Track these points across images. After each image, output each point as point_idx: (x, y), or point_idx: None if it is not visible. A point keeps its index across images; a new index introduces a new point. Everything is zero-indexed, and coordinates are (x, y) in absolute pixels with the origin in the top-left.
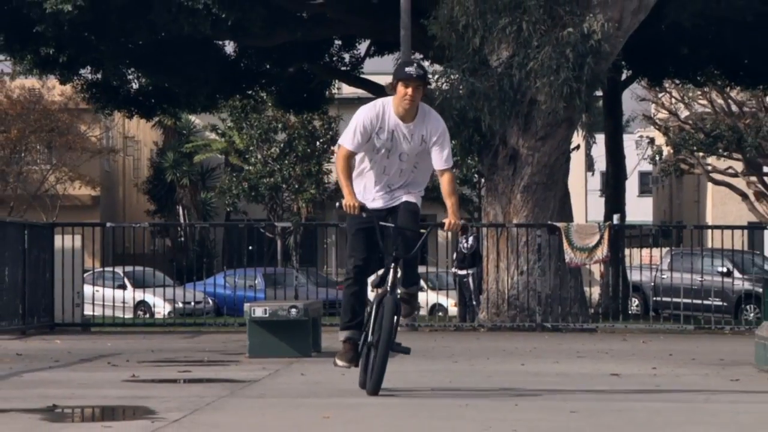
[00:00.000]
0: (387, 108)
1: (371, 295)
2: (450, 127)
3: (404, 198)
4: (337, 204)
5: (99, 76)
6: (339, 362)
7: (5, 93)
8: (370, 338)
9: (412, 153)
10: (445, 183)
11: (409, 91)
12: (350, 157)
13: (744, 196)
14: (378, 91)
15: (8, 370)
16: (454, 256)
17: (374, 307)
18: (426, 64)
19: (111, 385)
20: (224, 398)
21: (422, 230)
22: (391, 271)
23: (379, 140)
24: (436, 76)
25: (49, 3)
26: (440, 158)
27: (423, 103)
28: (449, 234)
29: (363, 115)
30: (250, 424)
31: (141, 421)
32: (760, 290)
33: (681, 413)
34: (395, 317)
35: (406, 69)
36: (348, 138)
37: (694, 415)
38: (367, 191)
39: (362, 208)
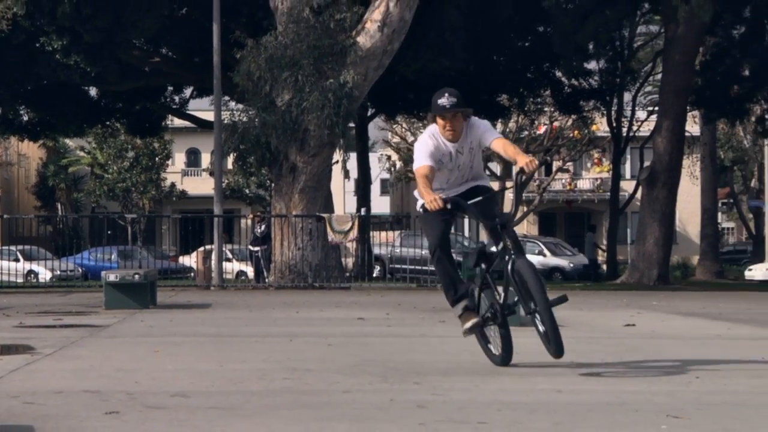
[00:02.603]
0: (437, 136)
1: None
2: (248, 148)
3: (477, 183)
4: (421, 209)
5: None
6: (470, 331)
7: None
8: (524, 309)
9: (469, 160)
10: (501, 145)
11: (447, 123)
12: (431, 172)
13: None
14: (199, 122)
15: None
16: (251, 237)
17: (509, 275)
18: (232, 104)
19: (4, 330)
20: (85, 338)
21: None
22: (502, 235)
23: (441, 164)
24: (239, 112)
25: None
26: (490, 137)
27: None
28: (249, 221)
29: (426, 146)
30: (103, 356)
31: (24, 355)
32: (461, 259)
33: (405, 344)
34: (538, 277)
35: (439, 101)
36: (422, 159)
37: (414, 345)
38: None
39: (445, 200)
